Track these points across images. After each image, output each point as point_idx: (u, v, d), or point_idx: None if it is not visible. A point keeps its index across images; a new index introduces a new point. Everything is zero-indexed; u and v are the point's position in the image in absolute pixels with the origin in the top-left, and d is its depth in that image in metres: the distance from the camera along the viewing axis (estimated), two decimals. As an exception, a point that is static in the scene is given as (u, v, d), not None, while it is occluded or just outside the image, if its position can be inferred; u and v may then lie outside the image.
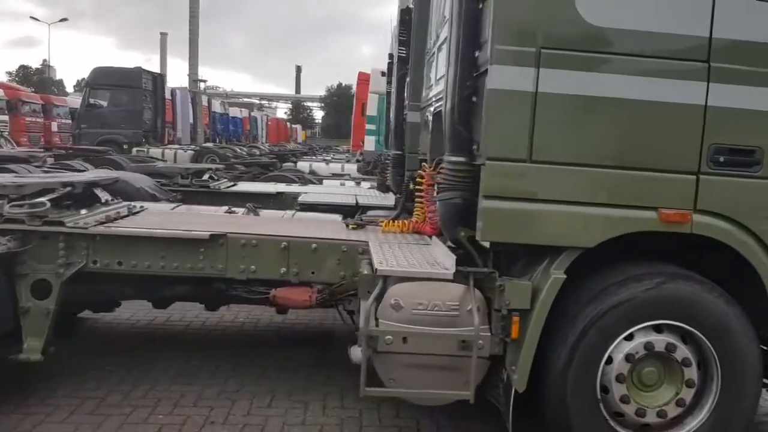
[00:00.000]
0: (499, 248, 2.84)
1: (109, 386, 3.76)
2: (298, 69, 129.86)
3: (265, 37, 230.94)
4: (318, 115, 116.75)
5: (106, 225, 3.53)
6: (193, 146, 24.25)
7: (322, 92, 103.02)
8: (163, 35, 66.51)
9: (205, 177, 6.70)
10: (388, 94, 9.74)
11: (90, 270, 3.46)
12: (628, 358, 2.76)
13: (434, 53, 4.64)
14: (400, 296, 2.88)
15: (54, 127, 29.85)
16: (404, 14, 6.09)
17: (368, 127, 16.15)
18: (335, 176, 11.33)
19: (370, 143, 16.20)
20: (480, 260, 2.95)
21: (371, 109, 16.10)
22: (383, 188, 7.51)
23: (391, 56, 9.73)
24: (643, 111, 2.68)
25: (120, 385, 3.78)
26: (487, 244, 2.84)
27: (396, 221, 4.10)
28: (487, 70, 2.82)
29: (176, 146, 22.85)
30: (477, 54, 2.94)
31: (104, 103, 22.50)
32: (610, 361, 2.77)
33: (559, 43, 2.68)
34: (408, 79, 6.07)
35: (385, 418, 3.52)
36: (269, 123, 60.76)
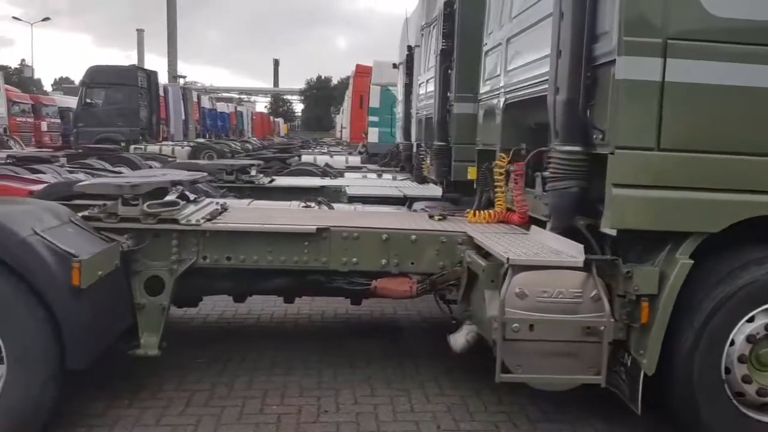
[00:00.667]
0: (625, 236, 2.94)
1: (209, 379, 3.81)
2: (276, 62, 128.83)
3: (240, 30, 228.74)
4: (298, 108, 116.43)
5: (212, 221, 3.57)
6: (190, 142, 24.11)
7: (301, 85, 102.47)
8: (140, 32, 65.55)
9: (253, 173, 6.72)
10: (407, 85, 9.87)
11: (199, 266, 3.51)
12: (749, 338, 2.90)
13: (499, 45, 4.71)
14: (524, 285, 2.97)
15: (44, 126, 29.57)
16: (447, 7, 6.14)
17: (371, 119, 16.21)
18: (352, 169, 11.34)
19: (373, 135, 16.26)
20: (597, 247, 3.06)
21: (374, 101, 16.13)
22: (420, 179, 7.59)
23: (410, 48, 9.84)
24: (766, 98, 2.80)
25: (220, 378, 3.83)
26: (612, 232, 2.93)
27: (480, 212, 4.17)
28: (606, 62, 2.92)
29: (172, 143, 22.73)
30: (593, 46, 3.02)
31: (100, 102, 22.27)
32: (732, 342, 2.90)
33: (684, 33, 2.79)
34: (453, 72, 6.15)
35: (490, 404, 3.62)
36: (254, 117, 60.42)
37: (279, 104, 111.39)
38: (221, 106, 45.25)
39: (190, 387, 3.68)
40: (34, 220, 2.81)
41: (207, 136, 34.37)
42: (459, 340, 3.64)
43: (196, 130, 33.04)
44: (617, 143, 2.83)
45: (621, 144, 2.82)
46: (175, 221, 3.44)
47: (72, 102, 33.25)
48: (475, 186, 5.38)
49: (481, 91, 5.20)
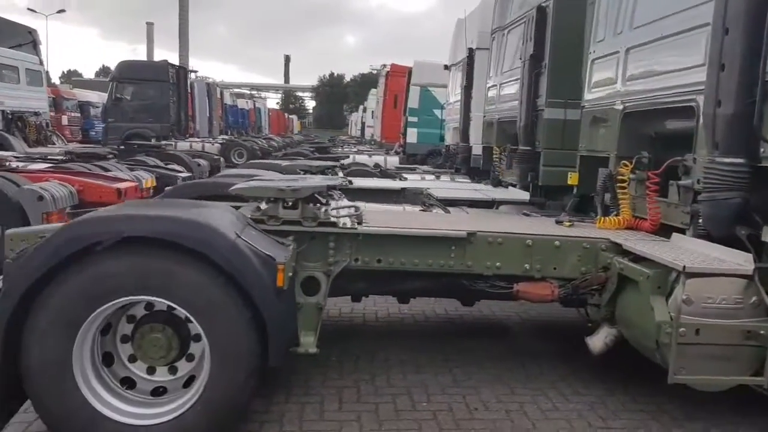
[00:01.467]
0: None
1: (350, 376, 3.95)
2: (287, 58, 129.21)
3: (249, 27, 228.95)
4: (309, 105, 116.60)
5: (362, 225, 3.68)
6: (220, 139, 24.30)
7: (311, 82, 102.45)
8: (149, 25, 65.66)
9: (341, 174, 6.84)
10: (467, 88, 9.96)
11: (351, 267, 3.63)
12: None
13: (615, 54, 4.79)
14: (690, 291, 3.08)
15: (64, 120, 29.83)
16: (539, 13, 6.23)
17: (410, 119, 16.28)
18: (405, 169, 11.43)
19: (412, 135, 16.34)
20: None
21: (413, 102, 16.22)
22: (495, 182, 7.68)
23: (470, 50, 9.93)
24: None
25: (360, 375, 3.96)
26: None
27: (608, 218, 4.27)
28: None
29: (201, 139, 22.96)
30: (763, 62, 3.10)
31: (130, 97, 22.43)
32: None
33: None
34: (544, 77, 6.25)
35: (627, 403, 3.73)
36: (270, 114, 60.63)
37: (290, 101, 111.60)
38: (241, 103, 45.49)
39: (336, 384, 3.81)
40: (232, 224, 2.93)
41: (229, 133, 34.70)
42: (597, 342, 3.76)
43: (219, 126, 33.28)
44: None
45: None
46: (334, 224, 3.56)
47: (90, 96, 33.60)
48: (575, 192, 5.49)
49: (587, 98, 5.28)
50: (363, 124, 35.89)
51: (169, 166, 11.06)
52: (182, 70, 24.88)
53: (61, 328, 2.72)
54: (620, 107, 4.62)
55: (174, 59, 34.88)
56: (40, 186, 6.11)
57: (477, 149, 9.77)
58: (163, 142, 19.12)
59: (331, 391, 3.71)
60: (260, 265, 2.81)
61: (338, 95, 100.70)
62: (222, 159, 15.92)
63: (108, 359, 3.01)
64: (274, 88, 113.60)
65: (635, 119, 4.53)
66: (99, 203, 6.80)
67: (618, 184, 4.38)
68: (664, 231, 4.02)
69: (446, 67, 12.20)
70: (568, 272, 3.77)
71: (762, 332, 3.06)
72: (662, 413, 3.63)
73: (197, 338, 3.03)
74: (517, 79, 7.06)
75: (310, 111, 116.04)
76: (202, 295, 2.76)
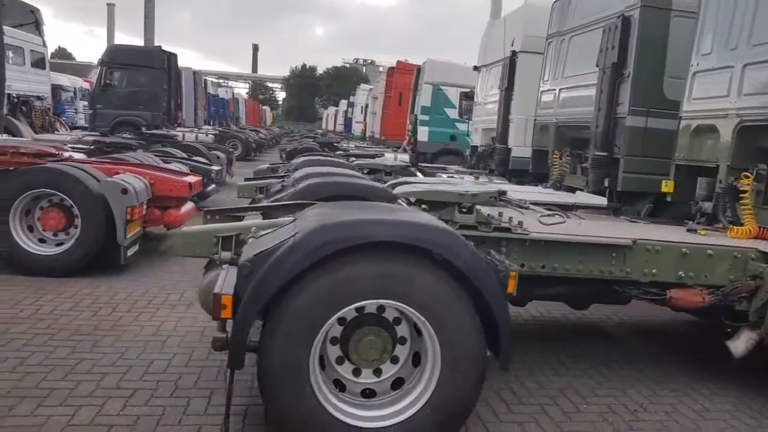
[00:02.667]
0: None
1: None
2: (255, 48, 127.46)
3: (214, 13, 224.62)
4: (279, 96, 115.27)
5: (527, 230, 3.75)
6: (213, 130, 23.92)
7: (280, 72, 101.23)
8: (110, 6, 63.59)
9: (419, 175, 6.86)
10: (507, 90, 10.09)
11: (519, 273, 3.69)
12: None
13: (726, 68, 4.97)
14: None
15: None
16: (625, 23, 6.38)
17: (421, 117, 16.34)
18: (436, 169, 11.50)
19: (423, 134, 16.42)
20: None
21: (425, 100, 16.29)
22: (556, 186, 7.82)
23: (514, 53, 10.04)
24: None
25: (506, 376, 4.04)
26: None
27: (739, 228, 4.44)
28: None
29: (190, 129, 22.58)
30: None
31: (120, 83, 21.80)
32: None
33: None
34: (627, 86, 6.41)
35: (768, 404, 3.93)
36: (247, 105, 59.83)
37: (260, 91, 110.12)
38: (221, 93, 44.80)
39: (488, 385, 3.88)
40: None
41: (211, 123, 34.24)
42: (740, 345, 3.94)
43: (203, 117, 32.73)
44: None
45: None
46: (508, 230, 3.63)
47: (61, 80, 32.39)
48: (669, 198, 5.66)
49: (687, 108, 5.44)
50: (349, 119, 35.71)
51: (194, 158, 10.90)
52: (174, 57, 24.31)
53: (302, 331, 2.72)
54: (735, 120, 4.80)
55: (136, 43, 33.94)
56: (122, 178, 5.98)
57: (517, 151, 9.91)
58: (155, 131, 18.75)
59: (489, 393, 3.78)
60: (494, 271, 2.86)
61: (310, 87, 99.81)
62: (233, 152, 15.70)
63: (321, 362, 3.01)
64: (243, 78, 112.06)
65: (752, 133, 4.72)
66: (170, 197, 6.73)
67: (741, 195, 4.56)
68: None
69: (475, 68, 12.31)
70: (718, 280, 3.92)
71: None
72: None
73: (403, 341, 3.07)
74: (587, 85, 7.23)
75: (280, 102, 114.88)
76: (439, 300, 2.79)
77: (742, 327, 3.96)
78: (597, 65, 6.83)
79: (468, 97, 16.41)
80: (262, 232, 3.28)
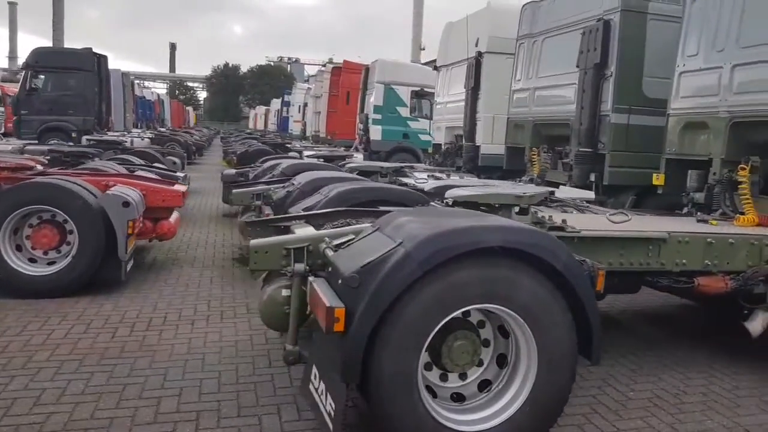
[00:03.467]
0: None
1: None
2: (173, 46, 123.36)
3: (124, 11, 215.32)
4: (201, 96, 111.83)
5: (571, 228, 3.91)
6: (147, 133, 23.05)
7: (199, 71, 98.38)
8: (12, 5, 59.75)
9: (422, 176, 6.92)
10: (474, 90, 10.35)
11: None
12: None
13: (715, 69, 5.35)
14: None
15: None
16: (606, 26, 6.73)
17: (374, 116, 16.44)
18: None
19: (376, 133, 16.52)
20: None
21: (378, 100, 16.40)
22: (537, 182, 8.10)
23: (480, 53, 10.32)
24: None
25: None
26: None
27: (743, 217, 4.81)
28: None
29: (118, 133, 21.69)
30: None
31: (47, 88, 20.57)
32: None
33: None
34: (610, 85, 6.77)
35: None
36: (171, 106, 57.80)
37: (181, 91, 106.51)
38: (146, 94, 43.13)
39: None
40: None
41: (139, 126, 33.03)
42: (757, 326, 4.28)
43: (132, 119, 31.45)
44: None
45: None
46: (562, 228, 3.78)
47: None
48: (659, 191, 6.03)
49: (675, 106, 5.81)
50: (285, 118, 35.26)
51: (154, 165, 10.51)
52: (104, 59, 23.15)
53: (413, 340, 2.75)
54: (727, 116, 5.19)
55: (42, 43, 32.24)
56: (120, 191, 5.72)
57: (486, 148, 10.20)
58: (85, 138, 17.86)
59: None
60: (584, 271, 2.99)
61: (234, 86, 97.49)
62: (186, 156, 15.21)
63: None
64: (162, 78, 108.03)
65: (742, 128, 5.12)
66: (162, 208, 6.49)
67: (740, 185, 4.94)
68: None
69: (436, 68, 12.51)
70: (737, 266, 4.24)
71: None
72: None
73: (486, 343, 3.16)
74: (564, 85, 7.56)
75: (202, 102, 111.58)
76: (537, 301, 2.89)
77: (756, 309, 4.30)
78: (578, 66, 7.15)
79: (419, 95, 16.71)
80: (337, 242, 3.28)
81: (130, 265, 5.88)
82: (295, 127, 31.61)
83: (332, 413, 2.81)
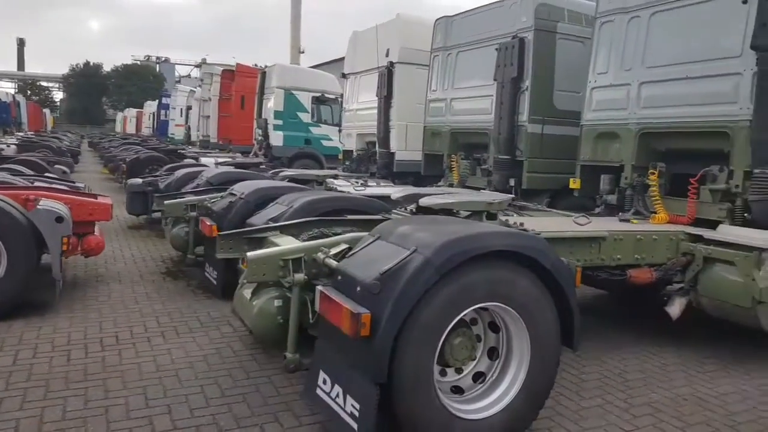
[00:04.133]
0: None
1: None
2: (21, 42, 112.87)
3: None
4: (57, 96, 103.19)
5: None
6: (14, 139, 21.19)
7: (55, 69, 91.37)
8: None
9: (349, 183, 7.08)
10: (387, 98, 10.72)
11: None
12: None
13: (623, 85, 6.09)
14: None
15: None
16: (521, 44, 7.37)
17: (275, 122, 16.32)
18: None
19: (277, 138, 16.40)
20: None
21: (278, 105, 16.30)
22: (458, 186, 8.61)
23: (392, 63, 10.70)
24: None
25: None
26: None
27: (657, 216, 5.53)
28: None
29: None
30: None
31: None
32: None
33: None
34: (526, 97, 7.41)
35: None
36: (28, 107, 52.92)
37: (33, 91, 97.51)
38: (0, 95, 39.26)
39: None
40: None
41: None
42: (676, 309, 4.99)
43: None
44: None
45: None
46: (525, 230, 4.17)
47: None
48: (576, 194, 6.71)
49: (588, 117, 6.50)
50: (164, 121, 33.66)
51: (45, 175, 9.83)
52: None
53: (430, 338, 2.97)
54: (636, 127, 5.93)
55: None
56: (50, 205, 5.37)
57: (401, 155, 10.60)
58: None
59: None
60: (568, 270, 3.38)
61: (96, 87, 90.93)
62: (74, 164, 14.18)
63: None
64: (9, 76, 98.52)
65: (649, 138, 5.89)
66: (87, 222, 6.16)
67: (651, 188, 5.68)
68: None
69: (343, 76, 12.71)
70: (660, 259, 4.91)
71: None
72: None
73: (478, 339, 3.47)
74: (480, 96, 8.13)
75: (58, 103, 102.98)
76: (532, 299, 3.23)
77: (673, 295, 5.00)
78: (495, 79, 7.72)
79: (319, 101, 16.82)
80: (334, 251, 3.43)
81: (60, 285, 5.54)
82: (176, 132, 30.29)
83: (356, 413, 2.96)
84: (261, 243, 4.23)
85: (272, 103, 16.43)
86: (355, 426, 2.96)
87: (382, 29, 11.01)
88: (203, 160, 15.06)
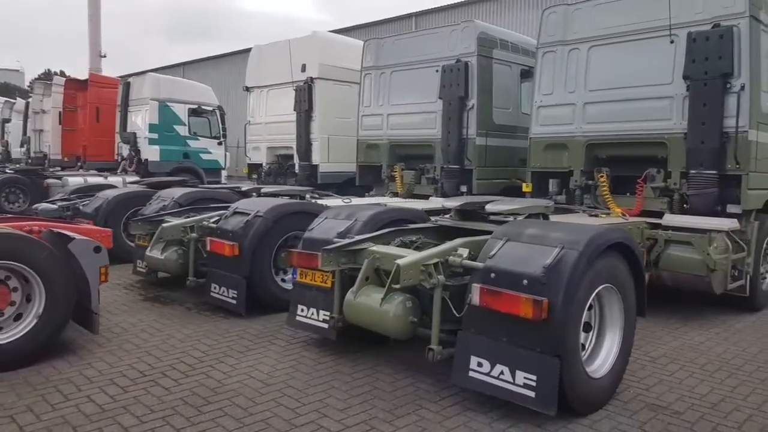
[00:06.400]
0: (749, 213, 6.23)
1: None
2: None
3: None
4: None
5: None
6: None
7: None
8: None
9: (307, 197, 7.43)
10: (306, 112, 11.16)
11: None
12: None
13: (569, 105, 7.40)
14: (719, 242, 5.96)
15: None
16: (465, 67, 8.44)
17: (150, 136, 15.56)
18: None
19: (153, 153, 15.66)
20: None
21: (152, 118, 15.57)
22: (406, 195, 9.35)
23: (312, 78, 11.15)
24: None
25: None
26: (739, 210, 6.18)
27: (612, 211, 6.84)
28: (741, 131, 6.11)
29: None
30: (726, 120, 6.16)
31: None
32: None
33: None
34: (473, 114, 8.48)
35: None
36: None
37: None
38: None
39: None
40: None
41: None
42: (642, 283, 6.33)
43: None
44: (749, 171, 6.07)
45: (751, 170, 6.08)
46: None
47: None
48: (528, 196, 7.89)
49: (536, 132, 7.71)
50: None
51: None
52: None
53: (580, 314, 3.76)
54: (583, 139, 7.26)
55: None
56: (84, 236, 5.11)
57: (324, 167, 11.09)
58: None
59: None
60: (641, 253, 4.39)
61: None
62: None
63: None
64: None
65: (593, 148, 7.25)
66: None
67: (602, 189, 7.02)
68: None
69: (246, 89, 12.70)
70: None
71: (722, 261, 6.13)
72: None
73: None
74: (426, 112, 9.03)
75: None
76: (626, 278, 4.17)
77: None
78: (440, 97, 8.66)
79: (196, 113, 16.40)
80: (464, 254, 4.07)
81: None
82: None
83: (531, 383, 3.63)
84: (357, 255, 4.62)
85: (145, 115, 15.64)
86: (531, 394, 3.63)
87: (295, 44, 11.37)
88: (71, 180, 13.86)
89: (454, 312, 4.02)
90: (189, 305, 6.59)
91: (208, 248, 6.18)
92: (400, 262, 3.99)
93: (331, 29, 26.48)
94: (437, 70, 8.75)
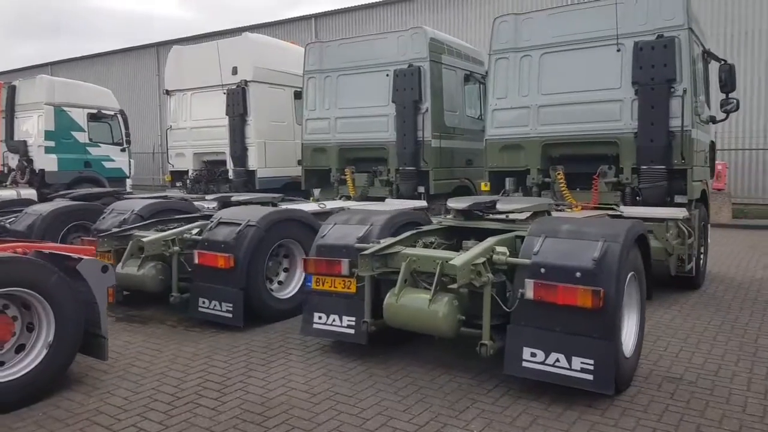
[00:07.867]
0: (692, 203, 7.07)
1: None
2: None
3: None
4: None
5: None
6: None
7: None
8: None
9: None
10: (241, 116, 10.91)
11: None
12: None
13: (523, 108, 7.93)
14: (671, 230, 6.74)
15: None
16: (419, 74, 8.74)
17: (46, 144, 14.25)
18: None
19: (51, 163, 14.36)
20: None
21: (48, 124, 14.28)
22: (361, 198, 9.43)
23: (246, 82, 10.88)
24: None
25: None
26: (685, 200, 7.00)
27: (576, 206, 7.42)
28: (685, 131, 6.92)
29: None
30: (671, 120, 6.95)
31: None
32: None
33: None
34: (428, 117, 8.80)
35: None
36: None
37: None
38: None
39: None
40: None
41: None
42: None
43: None
44: (691, 165, 6.91)
45: (693, 165, 6.92)
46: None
47: None
48: (487, 194, 8.33)
49: (491, 133, 8.15)
50: None
51: None
52: None
53: (621, 297, 4.16)
54: (539, 140, 7.81)
55: None
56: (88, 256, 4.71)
57: (262, 172, 10.86)
58: None
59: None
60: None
61: None
62: None
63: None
64: None
65: (548, 147, 7.83)
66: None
67: (560, 185, 7.60)
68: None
69: (167, 93, 12.02)
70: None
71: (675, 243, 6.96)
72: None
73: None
74: (377, 115, 9.18)
75: None
76: (643, 264, 4.65)
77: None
78: (393, 101, 8.85)
79: (96, 118, 15.29)
80: (506, 252, 4.33)
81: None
82: None
83: (588, 368, 3.96)
84: (389, 258, 4.71)
85: (38, 122, 14.30)
86: (590, 377, 3.96)
87: (224, 46, 11.00)
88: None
89: (504, 307, 4.25)
90: (171, 323, 6.25)
91: (196, 261, 5.91)
92: (455, 263, 4.14)
93: (209, 32, 25.71)
94: (388, 75, 8.93)
